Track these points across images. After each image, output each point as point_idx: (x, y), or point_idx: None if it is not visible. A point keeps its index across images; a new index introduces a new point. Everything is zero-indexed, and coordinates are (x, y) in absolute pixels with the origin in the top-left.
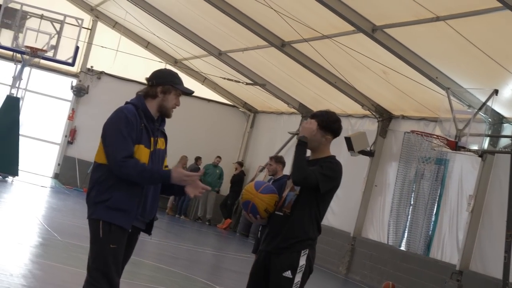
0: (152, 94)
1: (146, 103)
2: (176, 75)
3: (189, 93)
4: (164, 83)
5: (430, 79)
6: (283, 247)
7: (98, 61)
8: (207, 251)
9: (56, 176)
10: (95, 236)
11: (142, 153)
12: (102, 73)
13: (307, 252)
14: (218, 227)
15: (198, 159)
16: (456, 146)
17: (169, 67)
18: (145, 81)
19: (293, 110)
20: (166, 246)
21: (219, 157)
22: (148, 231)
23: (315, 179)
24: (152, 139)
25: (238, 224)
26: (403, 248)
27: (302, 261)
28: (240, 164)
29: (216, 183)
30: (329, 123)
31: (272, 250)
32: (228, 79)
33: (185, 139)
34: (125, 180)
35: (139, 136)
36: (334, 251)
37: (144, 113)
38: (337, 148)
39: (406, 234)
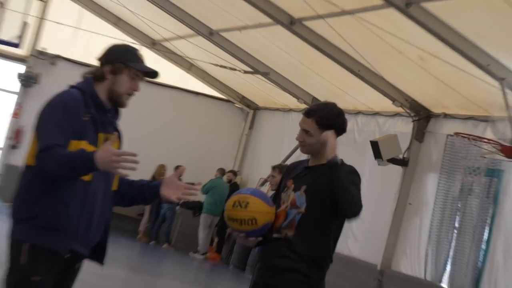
0: (99, 75)
1: (95, 87)
2: (132, 50)
3: (150, 73)
4: (113, 61)
5: (480, 67)
6: (281, 284)
7: (52, 42)
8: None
9: None
10: (14, 264)
11: None
12: (57, 57)
13: None
14: (208, 258)
15: (176, 168)
16: None
17: (145, 50)
18: None
19: (304, 106)
20: (133, 282)
21: (222, 169)
22: (99, 258)
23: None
24: (100, 135)
25: (232, 253)
26: (444, 285)
27: None
28: (222, 171)
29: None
30: (330, 119)
31: (268, 283)
32: (221, 66)
33: (165, 143)
34: (60, 187)
35: (80, 129)
36: None
37: (93, 99)
38: (360, 155)
39: (448, 266)
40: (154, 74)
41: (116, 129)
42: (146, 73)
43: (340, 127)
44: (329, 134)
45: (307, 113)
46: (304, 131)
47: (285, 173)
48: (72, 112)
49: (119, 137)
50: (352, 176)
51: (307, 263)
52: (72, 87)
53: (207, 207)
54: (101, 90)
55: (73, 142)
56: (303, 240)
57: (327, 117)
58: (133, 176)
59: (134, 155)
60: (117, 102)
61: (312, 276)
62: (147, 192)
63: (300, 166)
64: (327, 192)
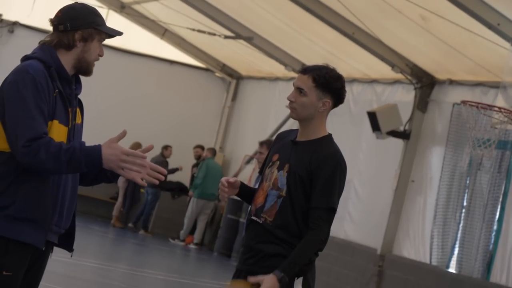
0: (67, 43)
1: (59, 57)
2: (97, 12)
3: (115, 35)
4: (83, 26)
5: (490, 27)
6: (266, 271)
7: (9, 7)
8: (170, 277)
9: None
10: None
11: (57, 134)
12: (15, 24)
13: (302, 278)
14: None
15: (166, 148)
16: None
17: (113, 14)
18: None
19: (293, 74)
20: (109, 272)
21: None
22: (67, 246)
23: (328, 220)
24: (70, 110)
25: (215, 239)
26: (452, 269)
27: None
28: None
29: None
30: (329, 79)
31: (251, 270)
32: (199, 31)
33: (138, 118)
34: (33, 173)
35: (52, 108)
36: (355, 275)
37: (59, 73)
38: (356, 128)
39: (456, 249)
40: (118, 35)
41: (79, 102)
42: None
43: (337, 92)
44: (301, 79)
45: (304, 70)
46: (298, 90)
47: (274, 143)
48: (44, 90)
49: (82, 110)
50: (328, 168)
51: (292, 248)
52: (30, 57)
53: (201, 191)
54: (66, 60)
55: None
56: (285, 226)
57: (325, 77)
58: None
59: (144, 157)
60: (85, 71)
61: None
62: (109, 171)
63: (288, 138)
64: (307, 177)
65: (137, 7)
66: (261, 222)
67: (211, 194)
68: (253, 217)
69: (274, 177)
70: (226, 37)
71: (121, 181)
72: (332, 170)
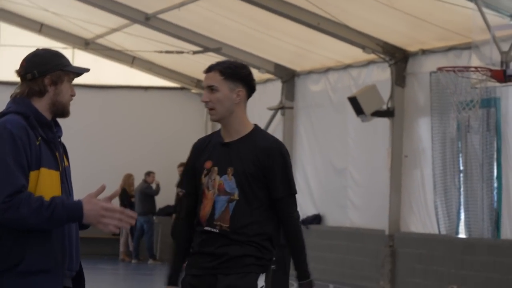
0: (38, 90)
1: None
2: (60, 53)
3: (82, 73)
4: (50, 70)
5: None
6: (234, 271)
7: None
8: None
9: None
10: None
11: (49, 180)
12: None
13: (265, 274)
14: None
15: (148, 174)
16: (505, 76)
17: (78, 52)
18: None
19: (268, 75)
20: None
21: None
22: (80, 287)
23: (294, 206)
24: (57, 154)
25: None
26: (462, 235)
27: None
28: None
29: None
30: (234, 68)
31: (213, 273)
32: (166, 52)
33: (124, 149)
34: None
35: (35, 156)
36: (368, 260)
37: (39, 121)
38: (340, 116)
39: (462, 214)
40: (85, 72)
41: (62, 146)
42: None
43: (247, 79)
44: (210, 76)
45: (209, 68)
46: (209, 89)
47: (196, 152)
48: (24, 142)
49: (65, 153)
50: (280, 157)
51: (255, 247)
52: (6, 113)
53: None
54: (41, 106)
55: (32, 174)
56: (243, 228)
57: (231, 67)
58: (103, 193)
59: (122, 211)
60: (62, 113)
61: (264, 257)
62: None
63: (212, 143)
64: (258, 172)
65: (101, 41)
66: (217, 230)
67: None
68: (206, 228)
69: (218, 183)
70: (194, 52)
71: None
72: (282, 157)
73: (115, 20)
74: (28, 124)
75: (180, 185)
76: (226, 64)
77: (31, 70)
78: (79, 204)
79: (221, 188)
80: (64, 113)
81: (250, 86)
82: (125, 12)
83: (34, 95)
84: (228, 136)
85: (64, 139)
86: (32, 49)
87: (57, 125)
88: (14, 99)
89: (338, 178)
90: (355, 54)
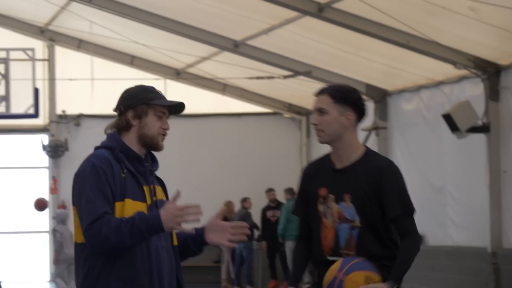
0: (124, 124)
1: (123, 139)
2: (150, 88)
3: (175, 107)
4: (134, 104)
5: None
6: None
7: (70, 102)
8: None
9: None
10: None
11: (134, 210)
12: (80, 116)
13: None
14: None
15: (245, 200)
16: None
17: (170, 83)
18: None
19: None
20: None
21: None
22: None
23: (413, 226)
24: (145, 188)
25: None
26: None
27: None
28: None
29: None
30: (345, 92)
31: None
32: (257, 78)
33: (222, 177)
34: (121, 256)
35: (120, 188)
36: (471, 278)
37: (126, 153)
38: (434, 134)
39: None
40: (180, 107)
41: (159, 179)
42: (171, 108)
43: (357, 103)
44: (319, 99)
45: (320, 91)
46: (318, 111)
47: (307, 178)
48: (107, 173)
49: (164, 187)
50: (394, 180)
51: (386, 270)
52: (97, 148)
53: (289, 233)
54: (131, 140)
55: (117, 204)
56: (371, 253)
57: (341, 90)
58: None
59: (197, 206)
60: (152, 146)
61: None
62: (192, 243)
63: (323, 168)
64: (374, 195)
65: (192, 70)
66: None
67: (293, 235)
68: (330, 258)
69: (337, 211)
70: (285, 77)
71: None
72: (394, 176)
73: (205, 49)
74: (114, 157)
75: (295, 212)
76: (336, 88)
77: (119, 106)
78: (156, 213)
79: (341, 216)
80: (154, 145)
81: (360, 111)
82: (214, 40)
83: (122, 130)
84: (338, 161)
85: (160, 168)
86: (124, 82)
87: (154, 160)
88: (107, 134)
89: (436, 197)
90: (446, 70)
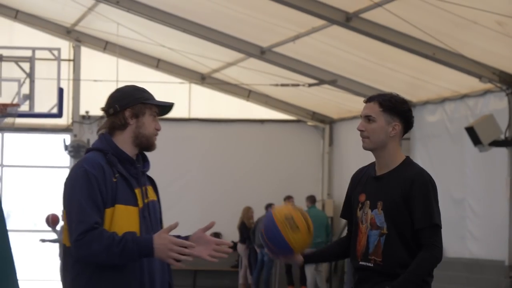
0: (120, 123)
1: (115, 141)
2: (142, 88)
3: (167, 108)
4: (131, 103)
5: None
6: None
7: (94, 103)
8: None
9: None
10: None
11: (126, 216)
12: (103, 117)
13: None
14: None
15: (269, 206)
16: None
17: (195, 87)
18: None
19: None
20: None
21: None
22: None
23: (439, 239)
24: (137, 190)
25: (343, 285)
26: None
27: None
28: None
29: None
30: (395, 102)
31: None
32: (282, 85)
33: (243, 183)
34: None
35: (112, 193)
36: None
37: (118, 156)
38: (457, 146)
39: None
40: (167, 109)
41: (150, 179)
42: (162, 110)
43: (405, 115)
44: (368, 106)
45: (369, 98)
46: (366, 118)
47: (353, 184)
48: (98, 180)
49: (155, 187)
50: (424, 190)
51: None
52: (88, 150)
53: (315, 240)
54: (124, 140)
55: (107, 211)
56: (396, 261)
57: (391, 100)
58: (218, 225)
59: (193, 246)
60: (147, 146)
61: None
62: None
63: (366, 174)
64: (403, 203)
65: (217, 75)
66: (372, 265)
67: (318, 243)
68: (361, 263)
69: (370, 217)
70: (310, 85)
71: (241, 248)
72: (425, 188)
73: (231, 54)
74: (106, 161)
75: (342, 215)
76: (387, 97)
77: (113, 105)
78: (149, 239)
79: (373, 222)
80: (149, 146)
81: (407, 122)
82: (241, 46)
83: (117, 129)
84: (379, 169)
85: (181, 173)
86: (149, 85)
87: (145, 160)
88: (99, 135)
89: (456, 209)
90: (471, 83)
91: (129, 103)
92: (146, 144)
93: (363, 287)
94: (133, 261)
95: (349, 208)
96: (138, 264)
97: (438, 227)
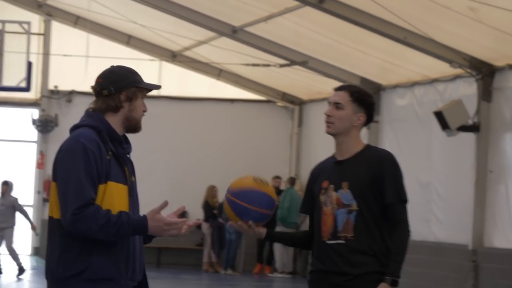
0: (114, 106)
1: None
2: (135, 71)
3: (155, 89)
4: (126, 86)
5: None
6: (358, 285)
7: (63, 78)
8: None
9: (37, 252)
10: None
11: (117, 193)
12: (72, 93)
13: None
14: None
15: None
16: None
17: (165, 65)
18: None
19: None
20: None
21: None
22: None
23: (404, 215)
24: (126, 169)
25: (307, 266)
26: None
27: None
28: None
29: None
30: (363, 94)
31: (341, 285)
32: (253, 65)
33: (209, 161)
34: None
35: (105, 170)
36: (451, 274)
37: (110, 135)
38: (425, 130)
39: None
40: (156, 89)
41: (130, 162)
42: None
43: (370, 108)
44: (336, 94)
45: (340, 87)
46: (335, 105)
47: (314, 176)
48: (95, 155)
49: (133, 169)
50: (393, 170)
51: (377, 259)
52: (80, 126)
53: (285, 220)
54: (115, 121)
55: (100, 187)
56: (365, 238)
57: (360, 92)
58: (184, 202)
59: (185, 222)
60: (135, 128)
61: (384, 270)
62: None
63: (327, 165)
64: (371, 181)
65: (188, 53)
66: (343, 241)
67: (293, 223)
68: (329, 242)
69: (336, 198)
70: (281, 65)
71: (205, 227)
72: (395, 165)
73: (203, 33)
74: (100, 139)
75: (302, 209)
76: (356, 89)
77: (107, 87)
78: (144, 221)
79: (339, 202)
80: (137, 128)
81: (370, 115)
82: (213, 25)
83: (109, 111)
84: (340, 155)
85: (149, 150)
86: (119, 61)
87: (127, 141)
88: (89, 113)
89: (422, 192)
90: (441, 68)
91: (124, 86)
92: (134, 126)
93: (333, 268)
94: (123, 239)
95: (310, 202)
96: (125, 240)
97: (406, 202)
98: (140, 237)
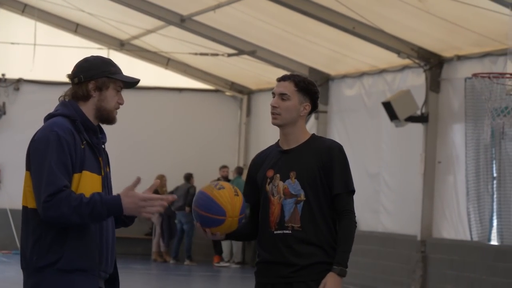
0: (82, 94)
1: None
2: (110, 61)
3: (132, 83)
4: (96, 76)
5: None
6: (306, 275)
7: (10, 66)
8: None
9: None
10: None
11: (90, 183)
12: (19, 81)
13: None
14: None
15: (189, 177)
16: None
17: (113, 53)
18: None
19: None
20: None
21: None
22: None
23: (350, 203)
24: (100, 159)
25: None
26: (494, 242)
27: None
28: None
29: None
30: (308, 84)
31: (290, 276)
32: (201, 54)
33: (158, 151)
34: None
35: (80, 159)
36: (399, 265)
37: (84, 124)
38: (373, 120)
39: (495, 221)
40: (135, 83)
41: (105, 152)
42: (125, 84)
43: (315, 97)
44: (282, 85)
45: (284, 77)
46: (280, 96)
47: (255, 165)
48: (69, 144)
49: (107, 159)
50: (340, 158)
51: (324, 250)
52: (54, 115)
53: None
54: (87, 111)
55: (75, 176)
56: (312, 228)
57: (305, 82)
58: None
59: (162, 198)
60: (107, 119)
61: (331, 261)
62: (125, 216)
63: (272, 153)
64: (319, 171)
65: (136, 42)
66: (290, 231)
67: None
68: (276, 232)
69: (283, 188)
70: (229, 55)
71: (154, 217)
72: (342, 156)
73: (151, 22)
74: (74, 128)
75: (246, 200)
76: (301, 78)
77: (78, 75)
78: (117, 198)
79: (286, 191)
80: (109, 119)
81: (315, 104)
82: (161, 13)
83: (79, 99)
84: (287, 144)
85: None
86: (67, 49)
87: (102, 132)
88: (63, 102)
89: (371, 183)
90: (390, 59)
91: (93, 75)
92: (106, 117)
93: (279, 257)
94: (103, 220)
95: (252, 192)
96: (98, 226)
97: (353, 193)
98: (113, 229)
